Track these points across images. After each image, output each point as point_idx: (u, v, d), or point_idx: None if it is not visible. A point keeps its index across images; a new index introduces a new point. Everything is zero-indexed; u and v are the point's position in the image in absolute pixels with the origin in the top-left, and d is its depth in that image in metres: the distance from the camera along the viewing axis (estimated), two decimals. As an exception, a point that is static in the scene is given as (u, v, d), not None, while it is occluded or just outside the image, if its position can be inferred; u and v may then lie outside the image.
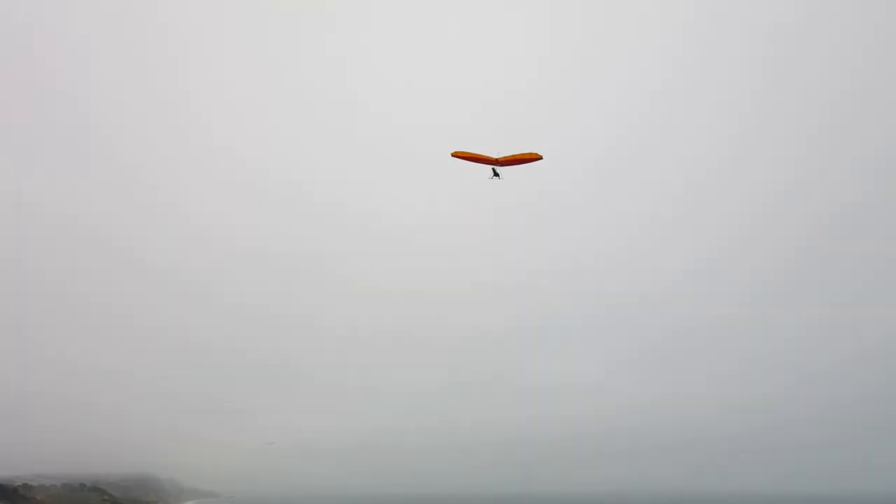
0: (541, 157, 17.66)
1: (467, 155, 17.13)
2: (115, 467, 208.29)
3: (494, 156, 17.44)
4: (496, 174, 18.03)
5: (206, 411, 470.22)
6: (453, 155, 17.10)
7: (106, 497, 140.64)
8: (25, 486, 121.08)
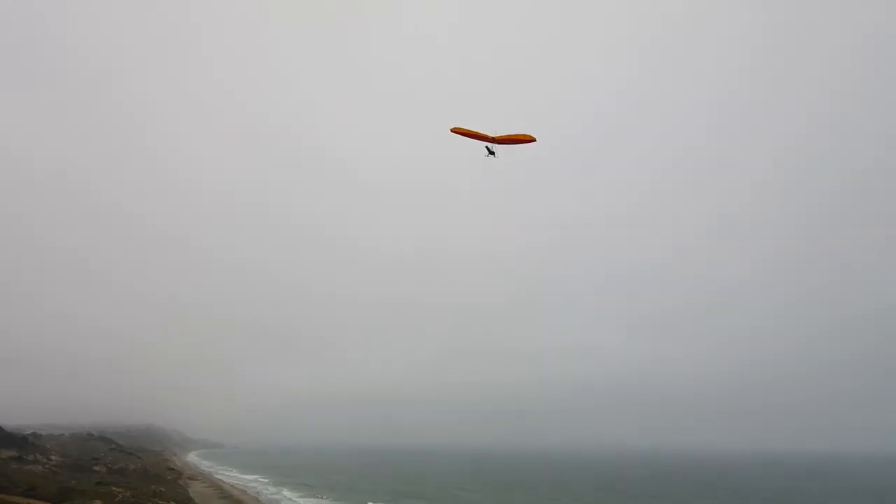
0: (534, 140, 17.77)
1: (465, 131, 17.58)
2: (120, 419, 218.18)
3: (491, 134, 17.72)
4: (491, 152, 18.17)
5: (207, 371, 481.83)
6: (452, 130, 17.50)
7: (113, 446, 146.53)
8: (35, 434, 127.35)
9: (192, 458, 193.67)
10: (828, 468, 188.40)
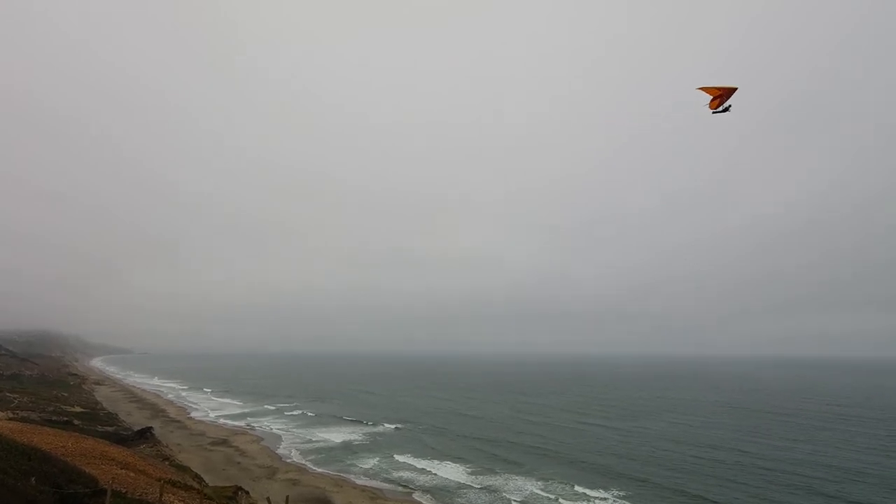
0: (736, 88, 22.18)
1: (707, 89, 21.94)
2: (8, 326, 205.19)
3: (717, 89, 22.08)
4: (726, 108, 21.29)
5: (100, 276, 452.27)
6: (698, 88, 21.50)
7: (2, 352, 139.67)
8: None
9: (97, 363, 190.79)
10: (695, 368, 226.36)
